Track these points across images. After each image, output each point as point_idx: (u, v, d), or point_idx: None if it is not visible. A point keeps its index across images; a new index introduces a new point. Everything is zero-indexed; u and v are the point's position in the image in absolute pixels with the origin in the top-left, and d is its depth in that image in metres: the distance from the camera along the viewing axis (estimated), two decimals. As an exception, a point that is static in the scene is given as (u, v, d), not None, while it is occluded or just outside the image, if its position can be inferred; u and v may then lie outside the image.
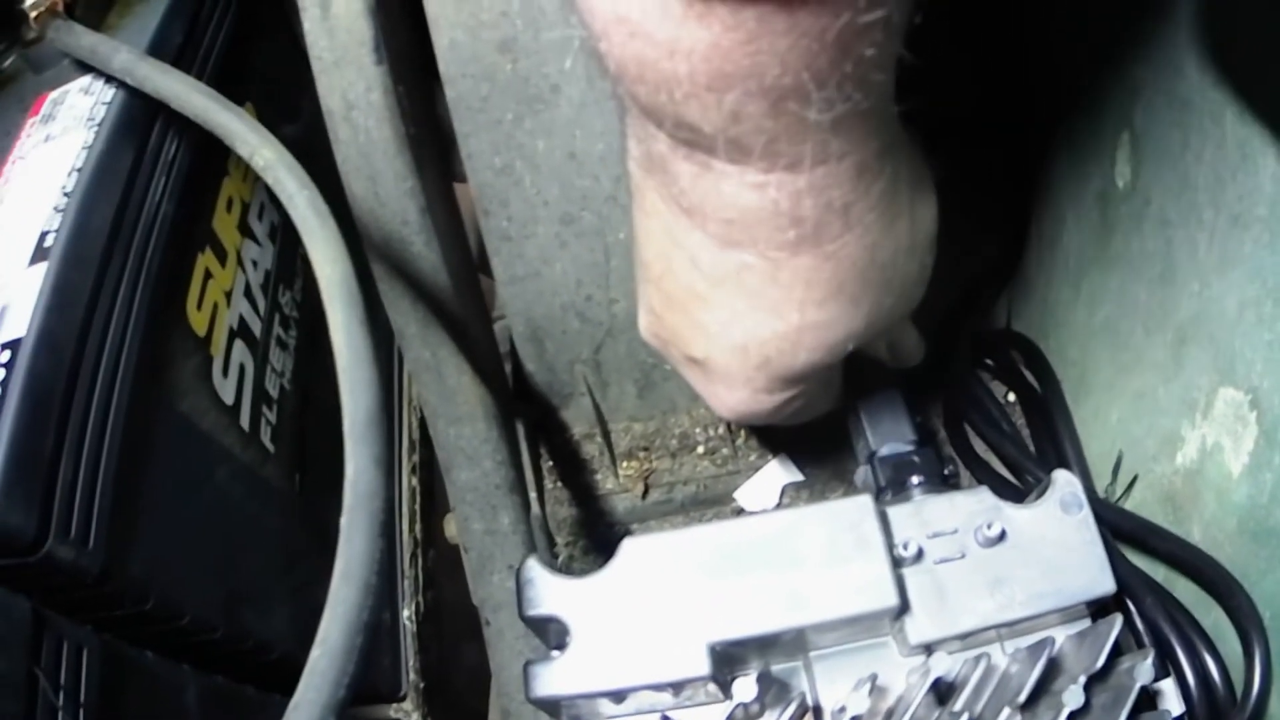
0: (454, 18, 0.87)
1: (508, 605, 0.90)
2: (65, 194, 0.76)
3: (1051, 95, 0.97)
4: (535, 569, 0.75)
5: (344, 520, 0.54)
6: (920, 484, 0.85)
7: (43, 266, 0.72)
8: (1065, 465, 0.93)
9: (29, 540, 0.66)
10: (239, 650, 0.86)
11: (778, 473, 1.05)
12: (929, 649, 0.74)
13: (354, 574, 0.52)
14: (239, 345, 0.94)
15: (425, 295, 0.91)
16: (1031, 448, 0.98)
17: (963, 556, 0.74)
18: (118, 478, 0.73)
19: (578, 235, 0.97)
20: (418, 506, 1.16)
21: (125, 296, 0.78)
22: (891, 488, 0.86)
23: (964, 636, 0.73)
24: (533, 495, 1.04)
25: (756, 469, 1.05)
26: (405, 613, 1.10)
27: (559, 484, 1.08)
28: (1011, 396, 1.04)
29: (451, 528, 1.14)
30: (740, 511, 1.05)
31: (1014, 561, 0.74)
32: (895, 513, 0.76)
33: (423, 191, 0.87)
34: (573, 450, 1.09)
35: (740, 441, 1.07)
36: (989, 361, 1.06)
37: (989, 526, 0.74)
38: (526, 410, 1.07)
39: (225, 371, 0.91)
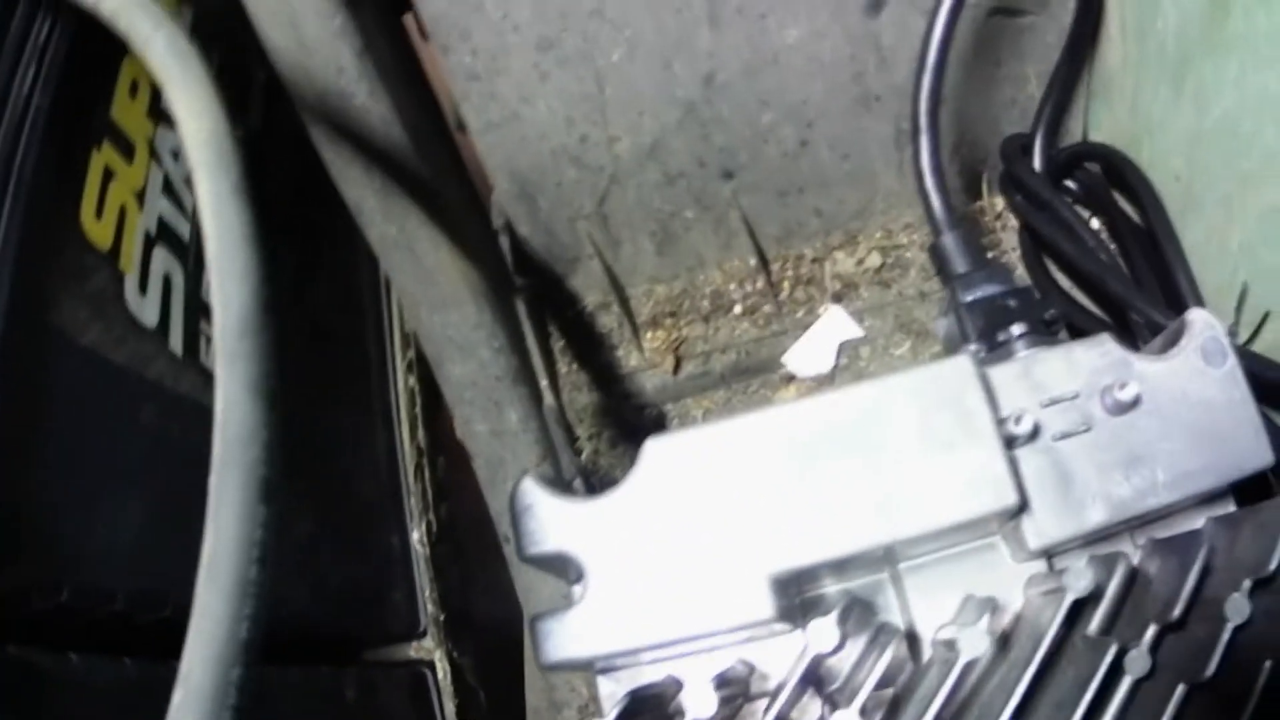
0: None
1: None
2: None
3: None
4: (532, 491, 0.57)
5: (211, 482, 0.37)
6: (1023, 335, 0.66)
7: None
8: (1180, 302, 0.75)
9: None
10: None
11: (832, 329, 0.87)
12: (1049, 552, 0.56)
13: (223, 569, 0.35)
14: (160, 253, 0.77)
15: (378, 158, 0.74)
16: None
17: (1088, 429, 0.56)
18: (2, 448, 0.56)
19: (560, 63, 0.79)
20: (419, 410, 1.00)
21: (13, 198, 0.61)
22: (984, 340, 0.68)
23: (1093, 534, 0.56)
24: (543, 383, 0.88)
25: (805, 326, 0.88)
26: (415, 535, 0.94)
27: (574, 366, 0.91)
28: (1096, 223, 0.86)
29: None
30: (791, 379, 0.88)
31: (1151, 431, 0.55)
32: (999, 375, 0.56)
33: (358, 30, 0.69)
34: (586, 324, 0.92)
35: (785, 295, 0.90)
36: (1068, 182, 0.87)
37: (1120, 387, 0.55)
38: (526, 283, 0.90)
39: (143, 288, 0.74)
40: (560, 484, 0.58)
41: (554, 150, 0.82)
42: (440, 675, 0.94)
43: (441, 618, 0.93)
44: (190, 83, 0.50)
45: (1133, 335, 0.77)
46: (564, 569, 0.57)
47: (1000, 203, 0.91)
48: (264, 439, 0.39)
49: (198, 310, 0.79)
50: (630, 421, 0.90)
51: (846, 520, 0.53)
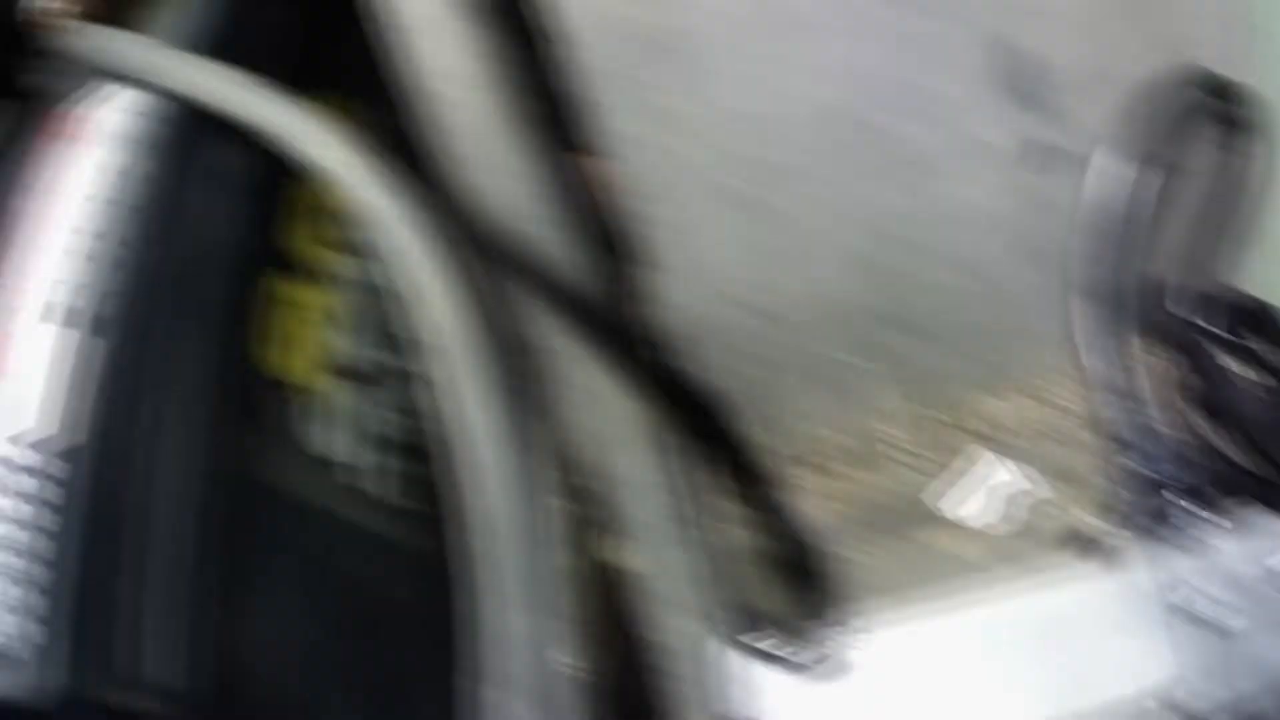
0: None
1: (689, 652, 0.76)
2: (96, 236, 0.62)
3: None
4: (746, 664, 0.60)
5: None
6: (1189, 511, 0.68)
7: (67, 334, 0.58)
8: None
9: (87, 694, 0.51)
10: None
11: (989, 475, 0.88)
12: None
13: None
14: (347, 387, 0.79)
15: (567, 305, 0.77)
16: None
17: (1255, 606, 0.58)
18: (202, 594, 0.58)
19: (740, 211, 0.82)
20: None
21: (186, 359, 0.63)
22: (1150, 514, 0.69)
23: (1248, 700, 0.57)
24: (711, 522, 0.89)
25: (964, 473, 0.89)
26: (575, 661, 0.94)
27: (741, 506, 0.92)
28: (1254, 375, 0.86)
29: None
30: (950, 524, 0.89)
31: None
32: (1164, 555, 0.60)
33: (543, 174, 0.73)
34: (754, 466, 0.94)
35: (946, 442, 0.91)
36: (1231, 336, 0.88)
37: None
38: (699, 423, 0.92)
39: (329, 421, 0.76)
40: (767, 655, 0.61)
41: (728, 297, 0.85)
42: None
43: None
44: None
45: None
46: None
47: (1160, 350, 0.92)
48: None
49: (377, 441, 0.81)
50: (796, 563, 0.90)
51: (1031, 699, 0.56)
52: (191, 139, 0.70)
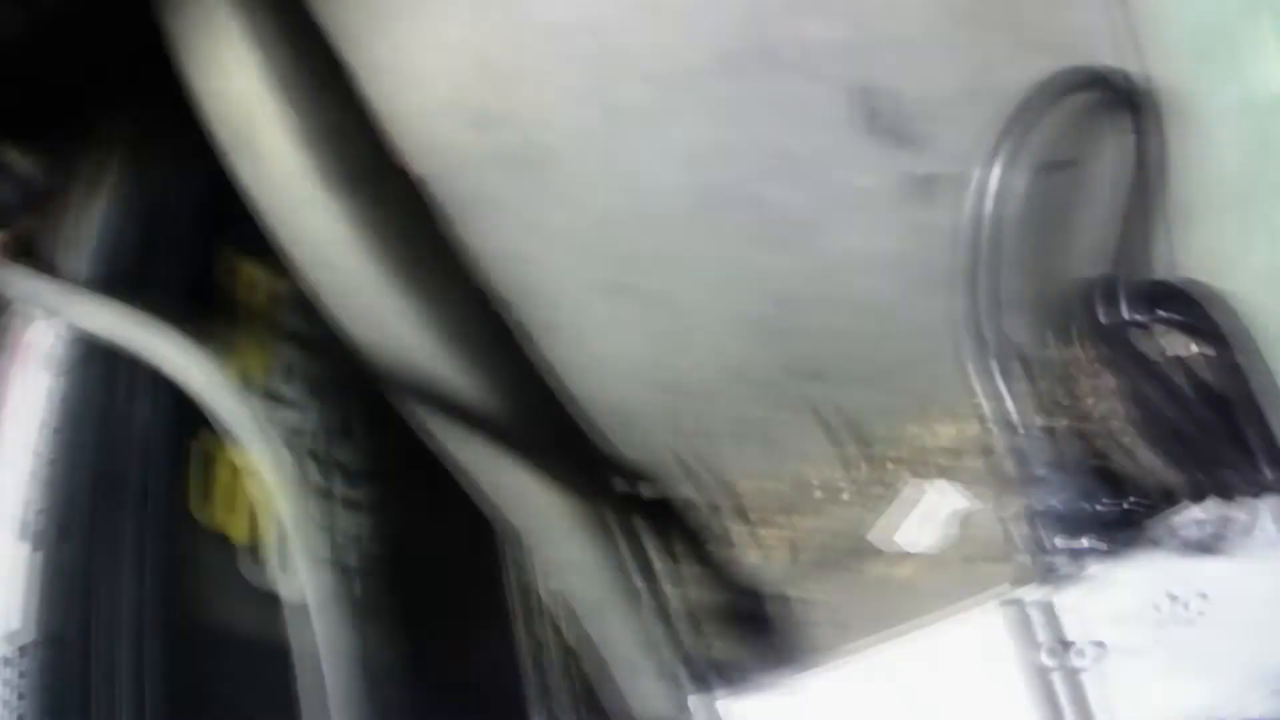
0: (410, 106, 0.75)
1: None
2: (46, 460, 0.69)
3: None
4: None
5: None
6: (1094, 549, 0.67)
7: (27, 552, 0.69)
8: (1269, 438, 0.74)
9: None
10: None
11: (938, 501, 0.89)
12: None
13: None
14: (268, 522, 0.84)
15: (480, 425, 0.82)
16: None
17: (1155, 643, 0.58)
18: None
19: (635, 305, 0.85)
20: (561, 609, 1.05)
21: (131, 553, 0.71)
22: (1057, 551, 0.69)
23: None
24: (668, 588, 0.92)
25: (913, 502, 0.90)
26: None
27: (697, 567, 0.95)
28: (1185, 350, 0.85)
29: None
30: (903, 555, 0.90)
31: (1216, 639, 0.57)
32: (1065, 601, 0.60)
33: (440, 322, 0.76)
34: (702, 528, 0.97)
35: (889, 475, 0.92)
36: (1152, 317, 0.86)
37: (1185, 603, 0.57)
38: (641, 495, 0.94)
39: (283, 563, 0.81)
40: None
41: (645, 384, 0.88)
42: None
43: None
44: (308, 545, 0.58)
45: (1221, 486, 0.76)
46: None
47: (1088, 348, 0.91)
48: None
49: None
50: (756, 612, 0.93)
51: None
52: (110, 354, 0.76)
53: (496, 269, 0.83)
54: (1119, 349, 0.85)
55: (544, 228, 0.80)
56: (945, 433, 0.91)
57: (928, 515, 0.89)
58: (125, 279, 0.80)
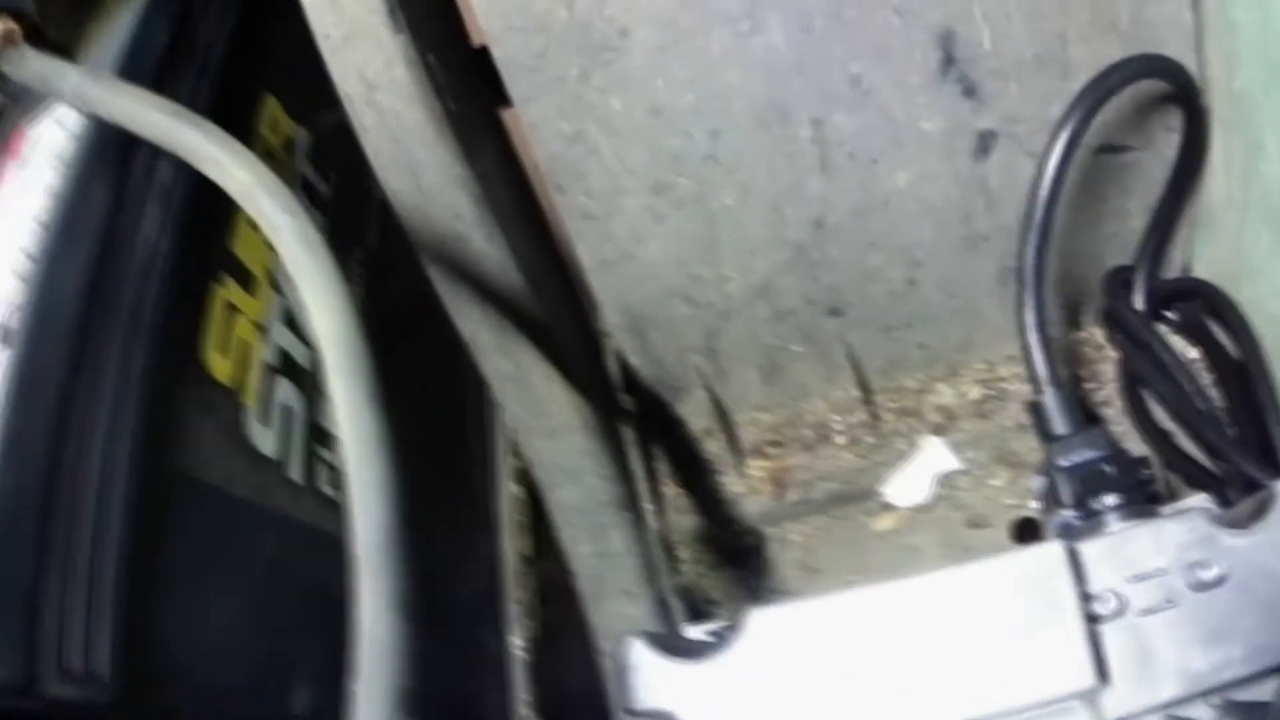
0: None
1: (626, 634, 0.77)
2: (29, 257, 0.63)
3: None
4: (639, 651, 0.60)
5: (354, 692, 0.40)
6: (1117, 506, 0.68)
7: (3, 355, 0.59)
8: (1269, 447, 0.75)
9: (18, 686, 0.53)
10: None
11: (931, 460, 0.89)
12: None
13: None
14: (283, 384, 0.80)
15: (494, 298, 0.77)
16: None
17: (1172, 605, 0.57)
18: (128, 589, 0.60)
19: (674, 205, 0.82)
20: (523, 517, 1.02)
21: (115, 368, 0.64)
22: (1078, 507, 0.69)
23: (1168, 705, 0.57)
24: (648, 507, 0.90)
25: (905, 457, 0.90)
26: (514, 640, 0.96)
27: (678, 490, 0.93)
28: (1194, 353, 0.86)
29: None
30: (889, 508, 0.89)
31: (1234, 607, 0.57)
32: (1089, 551, 0.59)
33: (474, 179, 0.73)
34: (691, 450, 0.95)
35: (886, 426, 0.91)
36: (1169, 314, 0.88)
37: (1205, 567, 0.57)
38: (635, 408, 0.92)
39: (265, 419, 0.77)
40: (667, 641, 0.61)
41: (666, 289, 0.85)
42: (530, 778, 0.96)
43: (535, 720, 0.95)
44: (320, 279, 0.53)
45: (1223, 480, 0.77)
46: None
47: (1101, 334, 0.92)
48: (403, 651, 0.41)
49: (316, 438, 0.82)
50: (731, 545, 0.92)
51: (937, 700, 0.56)
52: (126, 156, 0.71)
53: (545, 144, 0.80)
54: (1132, 338, 0.86)
55: (600, 110, 0.77)
56: (946, 392, 0.92)
57: (918, 471, 0.89)
58: (149, 83, 0.75)
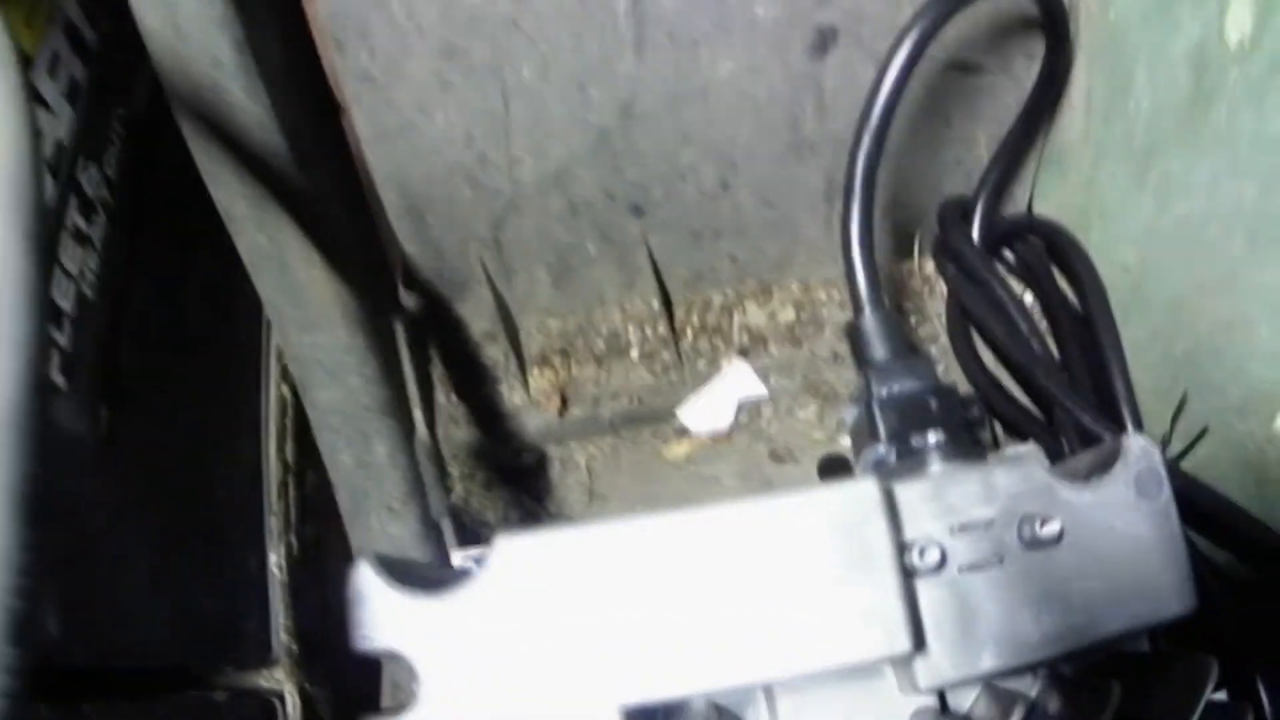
0: None
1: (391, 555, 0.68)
2: None
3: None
4: (369, 579, 0.51)
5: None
6: (939, 444, 0.60)
7: None
8: (1113, 402, 0.70)
9: None
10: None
11: (734, 384, 0.81)
12: (941, 690, 0.51)
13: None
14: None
15: (252, 162, 0.66)
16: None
17: (1000, 561, 0.50)
18: None
19: (465, 73, 0.72)
20: (289, 421, 0.92)
21: None
22: (896, 441, 0.61)
23: (993, 675, 0.51)
24: (418, 414, 0.80)
25: (706, 378, 0.82)
26: (273, 557, 0.86)
27: (453, 398, 0.84)
28: (1029, 297, 0.81)
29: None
30: (684, 433, 0.82)
31: (1069, 569, 0.50)
32: (907, 494, 0.51)
33: (239, 21, 0.62)
34: (471, 355, 0.86)
35: (687, 343, 0.83)
36: (1006, 253, 0.82)
37: (1040, 522, 0.50)
38: (410, 304, 0.83)
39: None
40: (404, 568, 0.52)
41: (450, 167, 0.75)
42: (290, 707, 0.86)
43: (295, 646, 0.85)
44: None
45: (1056, 432, 0.72)
46: (399, 667, 0.50)
47: (931, 266, 0.85)
48: (13, 562, 0.31)
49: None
50: (509, 462, 0.83)
51: (717, 653, 0.47)
52: None
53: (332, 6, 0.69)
54: (965, 273, 0.80)
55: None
56: (756, 312, 0.84)
57: (719, 396, 0.82)
58: None
